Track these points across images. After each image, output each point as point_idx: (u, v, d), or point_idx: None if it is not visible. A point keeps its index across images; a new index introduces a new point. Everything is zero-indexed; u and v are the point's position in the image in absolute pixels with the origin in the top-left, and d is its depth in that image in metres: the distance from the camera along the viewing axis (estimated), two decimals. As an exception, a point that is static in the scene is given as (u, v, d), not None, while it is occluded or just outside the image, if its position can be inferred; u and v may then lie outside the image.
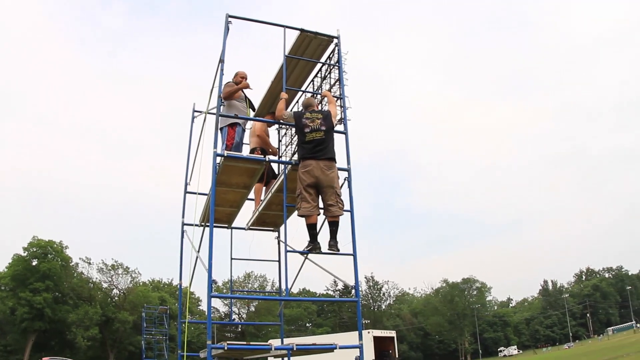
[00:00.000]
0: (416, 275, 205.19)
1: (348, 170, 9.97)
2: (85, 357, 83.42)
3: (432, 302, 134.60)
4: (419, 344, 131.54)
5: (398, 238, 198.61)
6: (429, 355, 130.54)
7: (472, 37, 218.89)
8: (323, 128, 9.64)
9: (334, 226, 9.60)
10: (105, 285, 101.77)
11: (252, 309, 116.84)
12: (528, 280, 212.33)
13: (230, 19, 10.19)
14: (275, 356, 11.11)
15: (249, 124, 12.32)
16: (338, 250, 9.53)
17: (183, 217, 13.06)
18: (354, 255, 9.53)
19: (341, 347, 9.20)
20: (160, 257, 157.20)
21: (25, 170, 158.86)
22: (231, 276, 13.34)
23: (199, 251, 11.43)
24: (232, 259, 13.16)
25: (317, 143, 9.54)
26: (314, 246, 9.53)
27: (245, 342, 9.90)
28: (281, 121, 11.05)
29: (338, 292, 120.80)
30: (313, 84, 11.79)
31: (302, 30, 10.64)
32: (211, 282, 8.52)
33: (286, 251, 9.37)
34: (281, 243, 11.72)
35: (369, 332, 29.87)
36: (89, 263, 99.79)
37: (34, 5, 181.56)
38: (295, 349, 8.85)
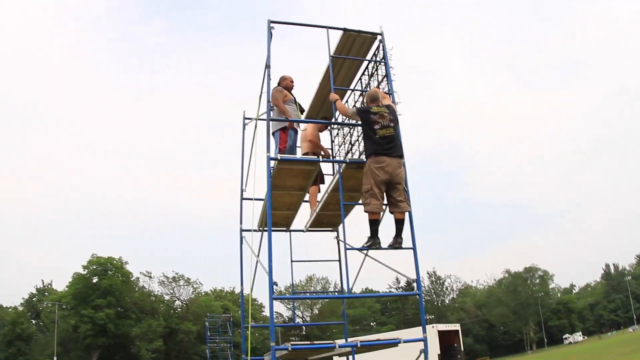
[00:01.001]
0: (478, 268, 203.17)
1: (403, 163, 9.87)
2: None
3: (495, 293, 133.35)
4: (484, 336, 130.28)
5: (457, 232, 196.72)
6: (494, 347, 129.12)
7: (516, 27, 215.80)
8: (392, 124, 9.63)
9: (401, 224, 9.61)
10: (167, 297, 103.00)
11: (316, 311, 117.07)
12: (590, 265, 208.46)
13: (272, 25, 10.30)
14: (340, 355, 11.15)
15: (302, 126, 12.36)
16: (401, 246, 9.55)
17: (241, 223, 13.20)
18: (414, 248, 9.56)
19: (405, 341, 9.16)
20: (221, 267, 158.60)
21: (80, 190, 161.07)
22: (292, 278, 13.39)
23: (258, 255, 11.53)
24: (292, 261, 13.23)
25: (389, 139, 9.51)
26: (374, 242, 9.54)
27: (308, 342, 9.88)
28: (333, 121, 11.14)
29: (401, 289, 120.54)
30: (361, 82, 11.83)
31: (345, 29, 10.69)
32: (272, 284, 8.58)
33: (346, 249, 9.43)
34: (340, 242, 11.73)
35: (433, 327, 29.68)
36: (150, 277, 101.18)
37: (75, 24, 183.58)
38: (359, 345, 8.85)
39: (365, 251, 9.96)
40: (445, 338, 30.03)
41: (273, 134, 11.06)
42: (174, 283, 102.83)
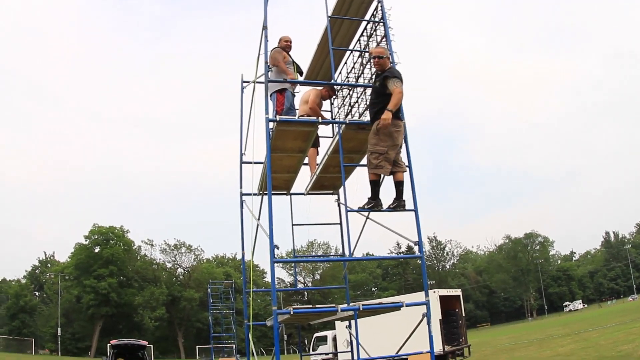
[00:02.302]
0: (479, 233, 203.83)
1: (403, 125, 9.71)
2: (154, 337, 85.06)
3: (495, 259, 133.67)
4: (485, 302, 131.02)
5: (458, 197, 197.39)
6: (495, 314, 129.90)
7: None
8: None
9: (401, 185, 9.57)
10: (169, 265, 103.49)
11: (317, 277, 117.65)
12: (590, 233, 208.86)
13: None
14: (342, 319, 11.12)
15: (298, 89, 12.24)
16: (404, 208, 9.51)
17: (241, 187, 13.12)
18: (415, 210, 9.50)
19: (407, 305, 9.19)
20: (222, 234, 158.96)
21: (80, 162, 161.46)
22: (293, 242, 13.30)
23: (259, 219, 11.47)
24: (293, 225, 13.14)
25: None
26: (375, 203, 9.53)
27: (310, 306, 9.83)
28: (334, 82, 11.04)
29: (402, 253, 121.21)
30: (359, 42, 11.70)
31: (343, -11, 10.55)
32: (273, 247, 8.49)
33: (347, 211, 9.34)
34: (341, 205, 11.66)
35: (434, 292, 29.57)
36: (152, 245, 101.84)
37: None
38: (361, 309, 8.82)
39: (366, 214, 9.91)
40: (447, 303, 29.98)
41: (270, 96, 10.97)
42: (175, 251, 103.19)
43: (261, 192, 12.68)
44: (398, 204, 9.49)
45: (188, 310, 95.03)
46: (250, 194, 12.47)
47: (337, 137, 10.02)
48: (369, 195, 9.57)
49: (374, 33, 10.95)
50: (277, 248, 8.60)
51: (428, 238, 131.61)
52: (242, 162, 13.33)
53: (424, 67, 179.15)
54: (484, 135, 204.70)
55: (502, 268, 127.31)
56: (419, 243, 9.39)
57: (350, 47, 11.97)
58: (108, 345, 27.63)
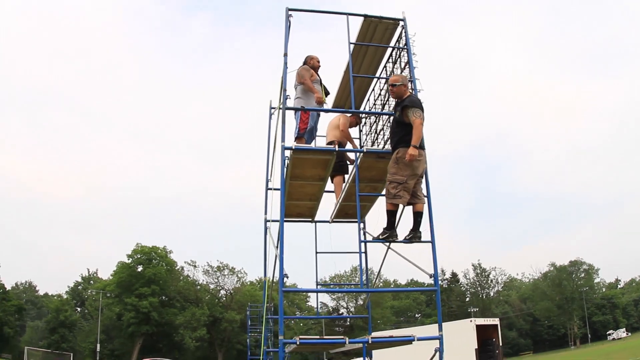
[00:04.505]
0: (524, 261, 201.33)
1: (424, 154, 9.40)
2: (194, 357, 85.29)
3: (540, 286, 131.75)
4: (528, 330, 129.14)
5: (504, 223, 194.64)
6: (538, 342, 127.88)
7: (561, 12, 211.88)
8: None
9: (420, 216, 9.35)
10: (212, 286, 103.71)
11: (360, 302, 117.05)
12: (636, 260, 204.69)
13: (290, 12, 10.14)
14: (352, 351, 10.89)
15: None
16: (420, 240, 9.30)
17: (265, 213, 13.06)
18: (432, 242, 9.21)
19: (419, 339, 8.83)
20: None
21: (126, 182, 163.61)
22: (317, 270, 13.07)
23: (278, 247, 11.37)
24: (317, 252, 12.95)
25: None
26: (391, 234, 9.32)
27: (318, 337, 9.60)
28: (361, 110, 10.89)
29: (446, 280, 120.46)
30: (386, 70, 11.52)
31: (365, 15, 10.41)
32: (282, 276, 8.38)
33: (360, 241, 9.17)
34: (364, 234, 11.44)
35: (471, 321, 29.29)
36: (194, 266, 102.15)
37: (118, 15, 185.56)
38: (370, 342, 8.55)
39: (386, 244, 9.69)
40: (484, 332, 29.59)
41: (295, 114, 10.89)
42: (218, 272, 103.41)
43: (286, 219, 12.56)
44: (414, 235, 9.28)
45: (229, 331, 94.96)
46: (273, 220, 12.43)
47: (355, 166, 9.82)
48: (385, 225, 9.36)
49: (399, 59, 10.78)
50: (287, 277, 8.46)
51: (473, 265, 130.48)
52: (267, 189, 13.31)
53: (465, 91, 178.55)
54: (529, 160, 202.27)
55: (546, 296, 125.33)
56: (435, 276, 9.03)
57: (377, 74, 11.80)
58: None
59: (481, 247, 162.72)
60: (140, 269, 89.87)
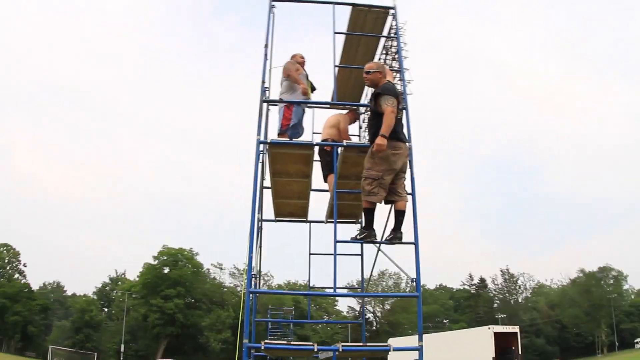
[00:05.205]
0: (552, 266, 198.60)
1: (409, 148, 8.85)
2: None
3: (568, 293, 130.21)
4: (556, 337, 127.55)
5: (533, 228, 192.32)
6: (565, 349, 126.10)
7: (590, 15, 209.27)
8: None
9: (402, 215, 8.68)
10: (238, 289, 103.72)
11: (387, 307, 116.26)
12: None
13: (274, 3, 9.91)
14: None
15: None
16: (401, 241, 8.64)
17: (259, 212, 12.55)
18: (416, 243, 8.58)
19: (395, 349, 8.22)
20: (296, 262, 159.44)
21: (154, 185, 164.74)
22: (309, 272, 12.58)
23: (261, 246, 11.05)
24: (310, 254, 12.37)
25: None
26: (369, 233, 8.67)
27: (285, 342, 9.15)
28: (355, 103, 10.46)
29: (474, 286, 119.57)
30: (385, 61, 11.03)
31: (353, 4, 10.05)
32: (250, 276, 8.31)
33: (335, 241, 8.56)
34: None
35: (489, 328, 28.67)
36: (221, 268, 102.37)
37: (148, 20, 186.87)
38: (340, 350, 7.94)
39: (376, 245, 9.10)
40: (503, 340, 28.90)
41: (279, 109, 10.64)
42: (245, 275, 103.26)
43: (277, 219, 12.17)
44: (394, 236, 8.61)
45: (255, 334, 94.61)
46: (268, 220, 12.06)
47: (334, 160, 9.32)
48: (362, 224, 8.82)
49: (390, 49, 10.32)
50: (255, 278, 8.20)
51: (501, 270, 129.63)
52: (262, 187, 12.83)
53: (497, 95, 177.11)
54: (558, 165, 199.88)
55: (574, 302, 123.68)
56: (417, 280, 8.40)
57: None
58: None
59: (510, 252, 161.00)
60: (166, 270, 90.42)
